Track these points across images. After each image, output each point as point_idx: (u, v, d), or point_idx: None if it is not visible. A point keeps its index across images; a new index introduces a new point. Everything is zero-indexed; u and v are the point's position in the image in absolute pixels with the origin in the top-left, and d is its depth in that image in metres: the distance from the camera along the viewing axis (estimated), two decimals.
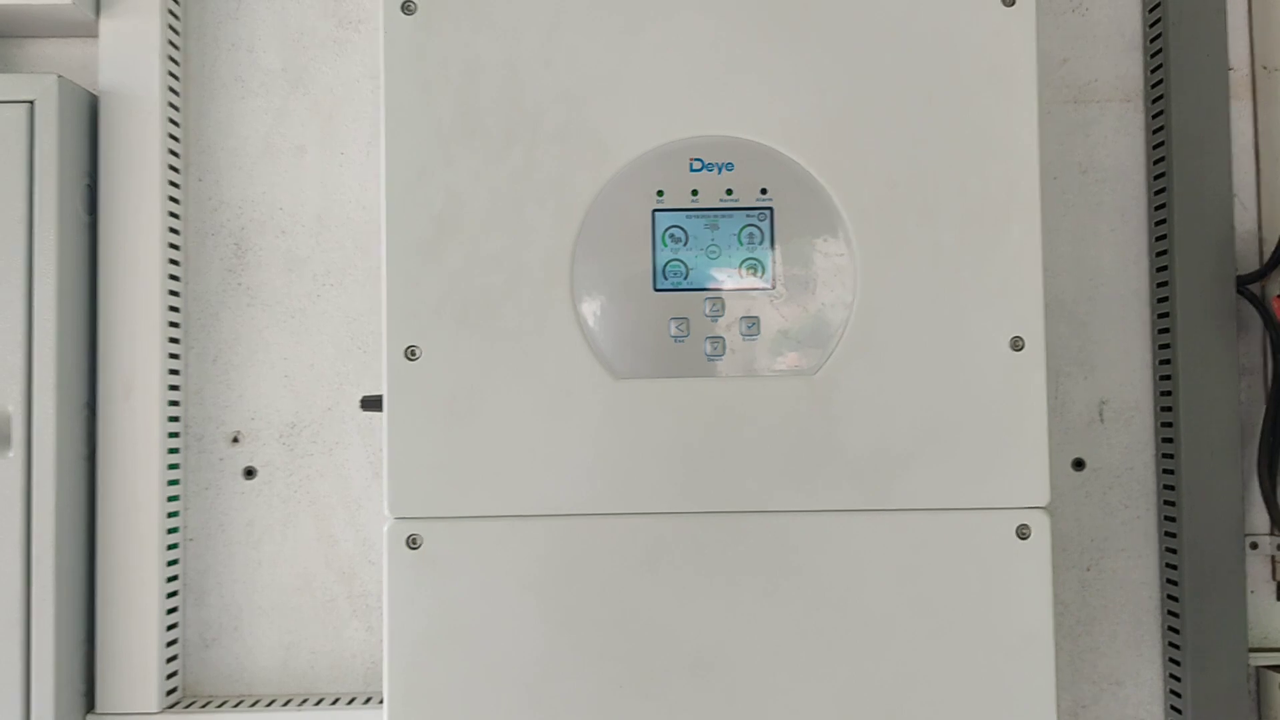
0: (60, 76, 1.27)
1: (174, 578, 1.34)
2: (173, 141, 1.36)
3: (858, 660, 1.01)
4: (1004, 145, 1.03)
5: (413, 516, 1.01)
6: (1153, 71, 1.36)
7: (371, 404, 1.09)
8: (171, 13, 1.36)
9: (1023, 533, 1.02)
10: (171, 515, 1.34)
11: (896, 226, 1.03)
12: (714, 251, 1.03)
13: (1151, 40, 1.37)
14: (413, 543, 1.01)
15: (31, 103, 1.26)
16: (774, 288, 1.03)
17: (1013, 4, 1.04)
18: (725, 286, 1.03)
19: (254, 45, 1.40)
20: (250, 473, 1.38)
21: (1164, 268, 1.33)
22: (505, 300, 1.02)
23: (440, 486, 1.01)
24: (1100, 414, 1.38)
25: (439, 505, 1.02)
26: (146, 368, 1.31)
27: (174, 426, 1.35)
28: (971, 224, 1.03)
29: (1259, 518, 1.35)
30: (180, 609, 1.36)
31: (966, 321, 1.02)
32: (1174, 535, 1.33)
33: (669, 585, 1.01)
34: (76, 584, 1.29)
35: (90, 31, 1.36)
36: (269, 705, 1.33)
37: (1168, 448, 1.34)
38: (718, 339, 1.02)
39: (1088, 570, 1.37)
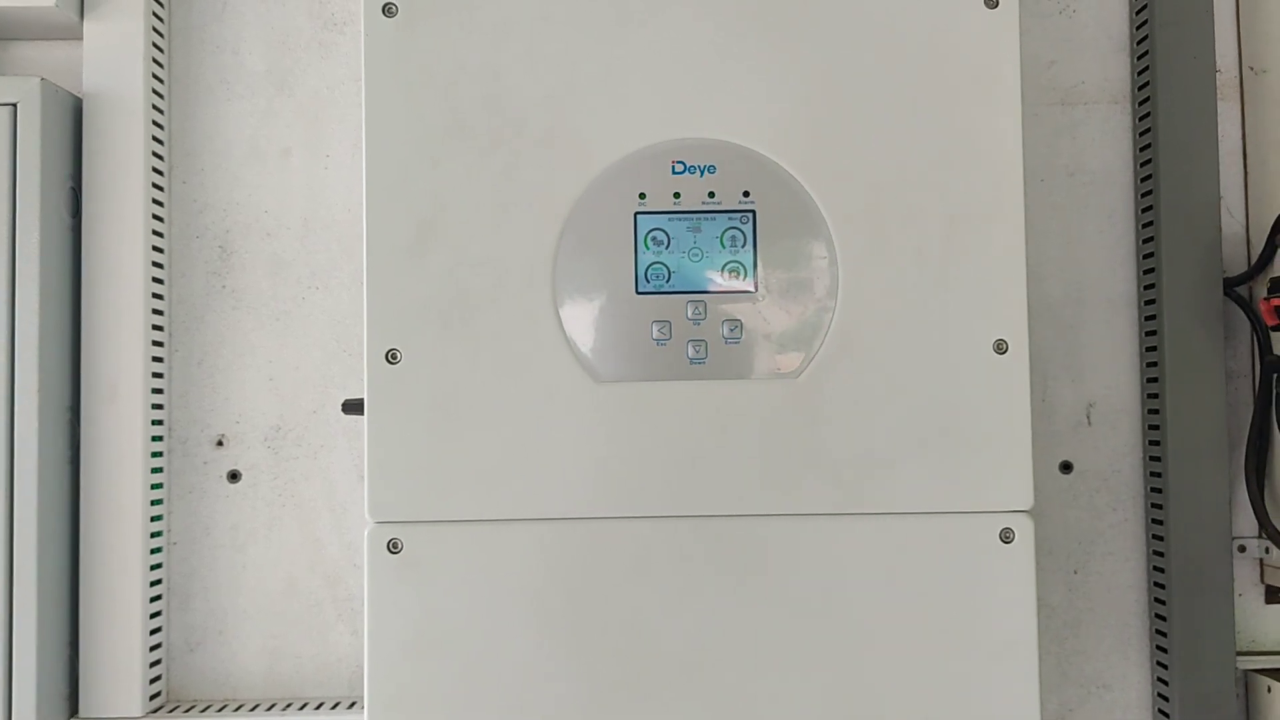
0: (43, 79, 1.27)
1: (158, 581, 1.34)
2: (157, 144, 1.35)
3: (842, 664, 1.01)
4: (988, 147, 1.03)
5: (394, 521, 1.01)
6: (1140, 73, 1.36)
7: (353, 407, 1.09)
8: (156, 15, 1.35)
9: (1006, 536, 1.01)
10: (155, 519, 1.33)
11: (879, 229, 1.02)
12: (696, 254, 1.03)
13: (1139, 42, 1.37)
14: (393, 547, 1.01)
15: (14, 105, 1.25)
16: (756, 291, 1.02)
17: (996, 6, 1.03)
18: (708, 289, 1.03)
19: (239, 47, 1.40)
20: (235, 476, 1.37)
21: (1151, 270, 1.33)
22: (487, 303, 1.02)
23: (421, 490, 1.01)
24: (1087, 417, 1.37)
25: (420, 509, 1.01)
26: (130, 371, 1.31)
27: (158, 430, 1.34)
28: (955, 226, 1.02)
29: (1246, 521, 1.34)
30: (164, 613, 1.35)
31: (950, 324, 1.02)
32: (1161, 538, 1.32)
33: (652, 590, 1.01)
34: (59, 588, 1.28)
35: (74, 34, 1.36)
36: (253, 710, 1.32)
37: (1155, 450, 1.33)
38: (700, 342, 1.02)
39: (1075, 573, 1.36)
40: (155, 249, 1.34)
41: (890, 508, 1.02)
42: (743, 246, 1.03)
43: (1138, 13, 1.37)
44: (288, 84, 1.40)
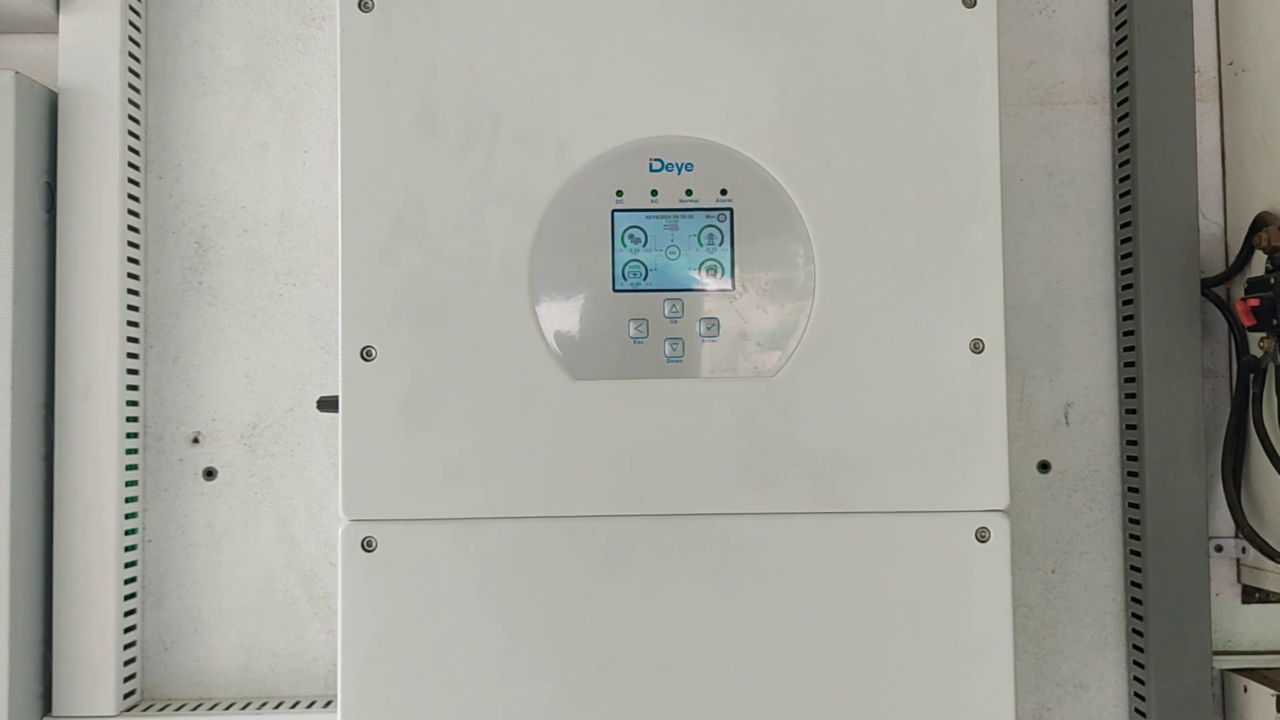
0: (18, 73, 1.26)
1: (132, 579, 1.33)
2: (133, 139, 1.34)
3: (816, 663, 1.01)
4: (965, 147, 1.03)
5: (368, 519, 1.01)
6: (1119, 74, 1.36)
7: (328, 405, 1.08)
8: (133, 9, 1.34)
9: (982, 535, 1.01)
10: (130, 516, 1.32)
11: (857, 228, 1.02)
12: (674, 252, 1.02)
13: (1118, 42, 1.37)
14: (367, 545, 1.00)
15: None
16: (733, 289, 1.02)
17: (974, 5, 1.03)
18: (685, 287, 1.02)
19: (216, 42, 1.39)
20: (210, 474, 1.36)
21: (1129, 270, 1.33)
22: (463, 301, 1.01)
23: (396, 488, 1.01)
24: (1065, 416, 1.37)
25: (394, 507, 1.01)
26: (105, 367, 1.30)
27: (133, 427, 1.33)
28: (932, 226, 1.02)
29: (1223, 521, 1.35)
30: (139, 611, 1.35)
31: (926, 324, 1.02)
32: (1138, 538, 1.32)
33: (627, 588, 1.01)
34: (33, 585, 1.27)
35: (50, 28, 1.35)
36: (228, 708, 1.31)
37: (1132, 450, 1.34)
38: (677, 340, 1.02)
39: (1052, 573, 1.37)
40: (131, 245, 1.33)
41: (866, 507, 1.02)
42: (720, 244, 1.02)
43: (1117, 13, 1.37)
44: (265, 79, 1.39)
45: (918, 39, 1.03)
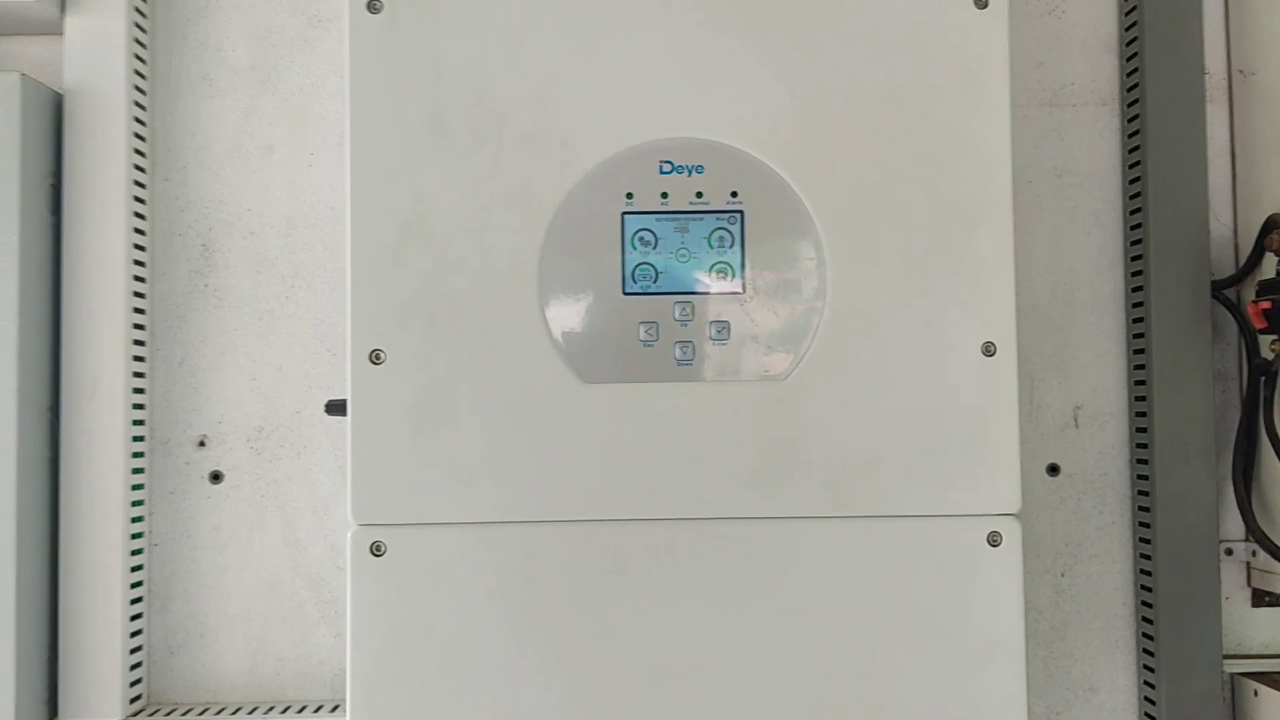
0: (24, 74, 1.25)
1: (138, 584, 1.32)
2: (139, 141, 1.34)
3: (827, 668, 1.00)
4: (976, 148, 1.02)
5: (377, 523, 1.00)
6: (1129, 75, 1.36)
7: (336, 408, 1.07)
8: (138, 10, 1.34)
9: (994, 540, 1.01)
10: (136, 520, 1.32)
11: (868, 230, 1.02)
12: (684, 255, 1.02)
13: (1128, 44, 1.36)
14: (376, 550, 1.00)
15: None
16: (744, 292, 1.02)
17: (985, 6, 1.03)
18: (695, 290, 1.02)
19: (222, 43, 1.38)
20: (217, 477, 1.36)
21: (1139, 272, 1.33)
22: (472, 304, 1.01)
23: (405, 492, 1.00)
24: (1075, 419, 1.37)
25: (403, 512, 1.00)
26: (111, 370, 1.29)
27: (139, 430, 1.33)
28: (943, 228, 1.02)
29: (1234, 524, 1.34)
30: (145, 615, 1.34)
31: (938, 326, 1.01)
32: (1148, 541, 1.32)
33: (637, 593, 1.00)
34: (38, 589, 1.27)
35: (55, 29, 1.34)
36: (235, 713, 1.31)
37: (1142, 453, 1.33)
38: (687, 343, 1.01)
39: (1062, 576, 1.36)
40: (137, 247, 1.33)
41: (878, 511, 1.01)
42: (730, 247, 1.02)
43: (1127, 14, 1.36)
44: (271, 80, 1.38)
45: (929, 40, 1.03)
